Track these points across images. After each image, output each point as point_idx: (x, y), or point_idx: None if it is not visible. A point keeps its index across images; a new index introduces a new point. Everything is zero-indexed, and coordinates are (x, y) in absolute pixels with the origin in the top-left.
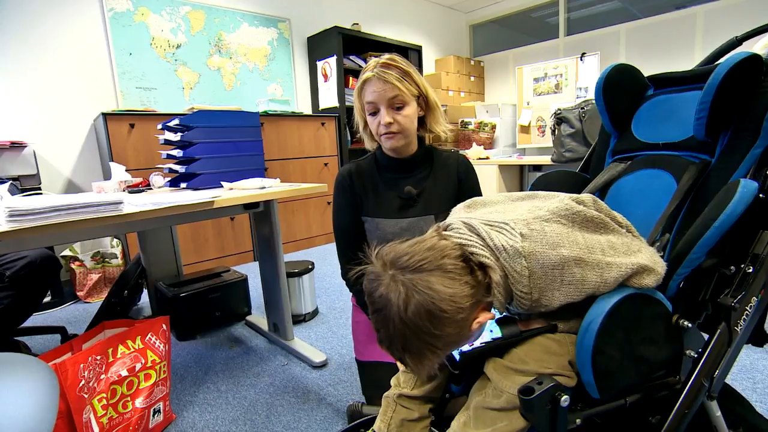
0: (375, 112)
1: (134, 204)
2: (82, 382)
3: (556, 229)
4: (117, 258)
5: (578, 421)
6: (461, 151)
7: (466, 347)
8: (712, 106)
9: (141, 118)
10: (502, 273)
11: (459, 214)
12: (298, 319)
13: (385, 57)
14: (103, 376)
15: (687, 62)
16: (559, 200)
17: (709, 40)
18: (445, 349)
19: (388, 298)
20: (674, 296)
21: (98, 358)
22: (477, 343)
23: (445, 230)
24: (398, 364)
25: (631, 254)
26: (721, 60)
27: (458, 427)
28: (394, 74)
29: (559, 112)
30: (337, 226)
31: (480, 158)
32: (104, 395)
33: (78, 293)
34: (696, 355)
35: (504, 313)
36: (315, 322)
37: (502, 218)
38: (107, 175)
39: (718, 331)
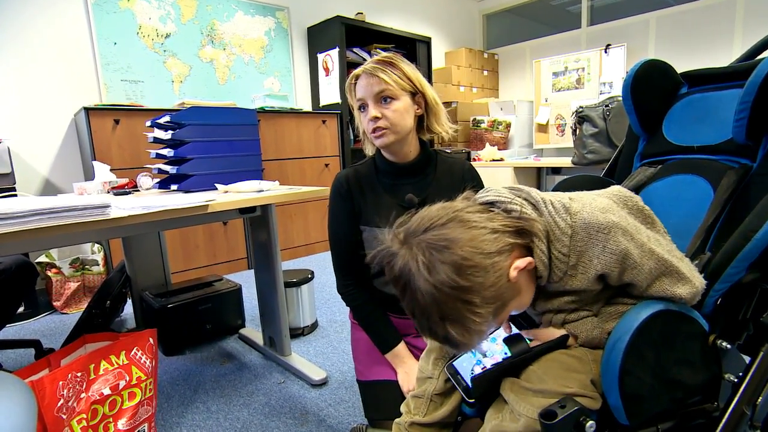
0: (364, 108)
1: (122, 208)
2: (61, 401)
3: (605, 201)
4: (98, 265)
5: None
6: (473, 152)
7: (477, 369)
8: (753, 106)
9: (127, 114)
10: (544, 228)
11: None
12: (296, 333)
13: (382, 55)
14: (83, 395)
15: (725, 56)
16: (609, 187)
17: (750, 32)
18: (485, 306)
19: (408, 267)
20: (711, 314)
21: (78, 374)
22: (488, 365)
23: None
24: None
25: (672, 257)
26: (764, 54)
27: None
28: (382, 68)
29: (580, 109)
30: (332, 236)
31: (493, 159)
32: (84, 416)
33: (54, 303)
34: (736, 380)
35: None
36: (314, 336)
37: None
38: (89, 176)
39: (761, 353)
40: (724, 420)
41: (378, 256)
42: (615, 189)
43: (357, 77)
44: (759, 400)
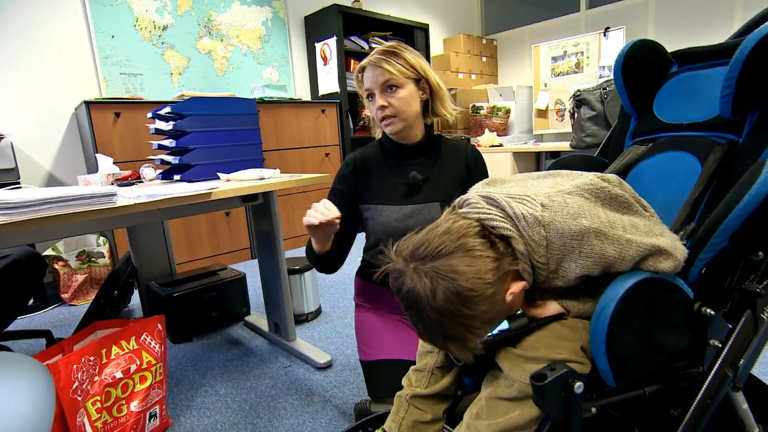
0: (372, 97)
1: (127, 197)
2: (76, 383)
3: (578, 201)
4: (104, 257)
5: (594, 409)
6: (472, 138)
7: None
8: (738, 81)
9: (127, 106)
10: (524, 243)
11: (477, 189)
12: (301, 319)
13: (386, 45)
14: (96, 378)
15: (724, 37)
16: (584, 176)
17: (750, 12)
18: (484, 327)
19: (416, 291)
20: (696, 283)
21: (91, 359)
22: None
23: (461, 207)
24: (417, 360)
25: (652, 236)
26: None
27: (470, 418)
28: (386, 59)
29: (578, 93)
30: None
31: (493, 145)
32: (98, 398)
33: (62, 295)
34: (721, 345)
35: None
36: (318, 321)
37: (523, 192)
38: (91, 168)
39: (743, 318)
40: (708, 381)
41: (385, 270)
42: (588, 180)
43: (364, 69)
44: (741, 362)
